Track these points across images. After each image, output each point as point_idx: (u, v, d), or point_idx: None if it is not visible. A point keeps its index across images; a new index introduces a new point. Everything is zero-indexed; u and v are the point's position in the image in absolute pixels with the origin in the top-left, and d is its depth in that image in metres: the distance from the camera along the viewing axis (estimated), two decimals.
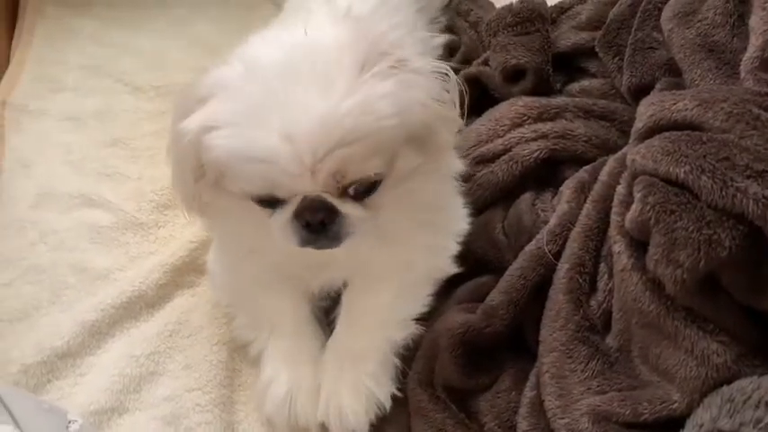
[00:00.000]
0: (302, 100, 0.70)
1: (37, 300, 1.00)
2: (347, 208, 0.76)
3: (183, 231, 1.10)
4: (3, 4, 1.38)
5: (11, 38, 1.37)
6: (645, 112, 0.80)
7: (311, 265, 0.91)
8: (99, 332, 0.97)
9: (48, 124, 1.22)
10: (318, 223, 0.76)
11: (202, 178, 0.80)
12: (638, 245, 0.76)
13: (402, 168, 0.79)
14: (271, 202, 0.77)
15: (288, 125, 0.70)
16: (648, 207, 0.72)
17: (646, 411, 0.72)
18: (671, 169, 0.71)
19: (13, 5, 1.41)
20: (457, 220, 0.96)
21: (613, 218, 0.81)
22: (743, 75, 0.81)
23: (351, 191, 0.76)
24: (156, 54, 1.33)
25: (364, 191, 0.77)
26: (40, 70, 1.30)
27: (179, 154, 0.81)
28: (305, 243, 0.78)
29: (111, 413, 0.90)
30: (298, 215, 0.76)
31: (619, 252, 0.78)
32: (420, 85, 0.78)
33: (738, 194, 0.66)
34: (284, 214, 0.77)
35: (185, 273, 1.05)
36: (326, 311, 0.98)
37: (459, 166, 0.95)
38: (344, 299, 0.94)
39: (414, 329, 0.91)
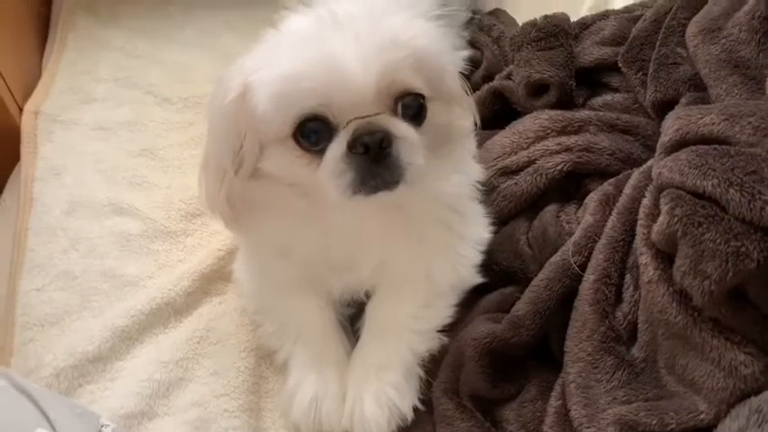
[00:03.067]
0: (356, 22, 0.74)
1: (68, 305, 1.03)
2: (402, 129, 0.75)
3: (211, 240, 1.12)
4: (35, 17, 1.43)
5: (42, 49, 1.41)
6: (671, 126, 0.81)
7: (336, 266, 0.91)
8: (129, 338, 0.99)
9: (78, 134, 1.25)
10: (378, 146, 0.73)
11: (239, 168, 0.81)
12: (665, 257, 0.77)
13: (434, 119, 0.80)
14: (317, 142, 0.76)
15: (346, 38, 0.72)
16: (676, 219, 0.72)
17: (672, 422, 0.72)
18: (698, 182, 0.72)
19: (45, 18, 1.45)
20: (478, 229, 0.98)
21: (639, 230, 0.82)
22: None
23: (400, 109, 0.76)
24: (183, 66, 1.37)
25: (412, 113, 0.77)
26: (71, 81, 1.33)
27: (219, 131, 0.81)
28: (362, 179, 0.74)
29: (141, 417, 0.92)
30: (354, 142, 0.73)
31: (645, 264, 0.79)
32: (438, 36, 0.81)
33: (767, 207, 0.67)
34: (338, 145, 0.75)
35: (213, 281, 1.07)
36: (352, 320, 0.99)
37: (478, 172, 0.97)
38: (369, 309, 0.96)
39: (438, 341, 0.93)
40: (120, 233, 1.11)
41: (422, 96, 0.78)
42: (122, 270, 1.07)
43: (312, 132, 0.76)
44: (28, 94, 1.29)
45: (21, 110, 1.26)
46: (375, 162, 0.74)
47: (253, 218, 0.87)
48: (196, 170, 0.91)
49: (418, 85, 0.77)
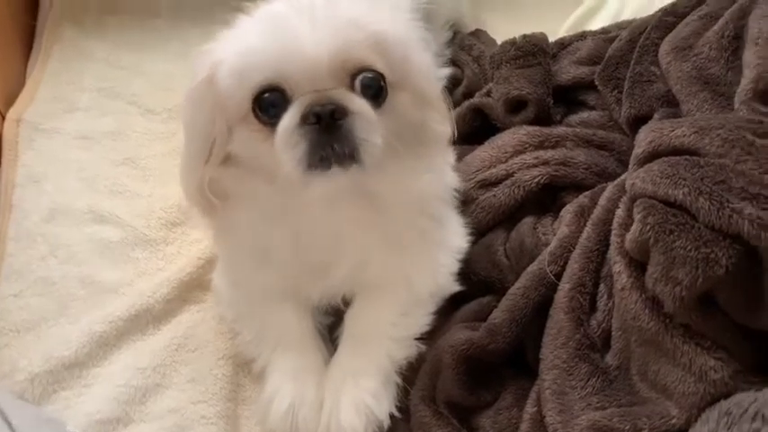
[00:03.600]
0: (316, 4, 0.77)
1: (45, 311, 1.02)
2: (357, 104, 0.76)
3: (191, 249, 1.12)
4: (20, 27, 1.43)
5: (27, 58, 1.41)
6: (644, 138, 0.83)
7: (312, 268, 0.92)
8: (106, 344, 0.98)
9: (60, 142, 1.25)
10: (329, 116, 0.74)
11: (210, 155, 0.83)
12: (637, 265, 0.79)
13: (399, 107, 0.82)
14: (275, 115, 0.76)
15: (303, 17, 0.75)
16: (648, 227, 0.75)
17: (645, 426, 0.74)
18: (670, 191, 0.74)
19: (31, 28, 1.45)
20: (456, 238, 0.99)
21: (613, 239, 0.84)
22: (737, 105, 0.85)
23: (358, 86, 0.78)
24: (167, 77, 1.37)
25: (372, 93, 0.78)
26: (55, 91, 1.33)
27: (193, 114, 0.83)
28: (314, 149, 0.75)
29: (117, 423, 0.91)
30: (306, 114, 0.74)
31: (618, 272, 0.81)
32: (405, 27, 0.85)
33: (734, 215, 0.69)
34: (291, 116, 0.75)
35: (192, 288, 1.07)
36: (330, 329, 1.00)
37: (455, 180, 0.99)
38: (347, 317, 0.96)
39: (415, 349, 0.94)
40: (100, 240, 1.11)
41: (382, 78, 0.79)
42: (101, 277, 1.07)
43: (270, 106, 0.77)
44: (11, 102, 1.29)
45: (3, 117, 1.26)
46: (327, 133, 0.75)
47: (226, 211, 0.88)
48: (178, 179, 0.92)
49: (376, 63, 0.78)
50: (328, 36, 0.75)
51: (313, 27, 0.75)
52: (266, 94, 0.77)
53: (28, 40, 1.44)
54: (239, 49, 0.78)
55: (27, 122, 1.26)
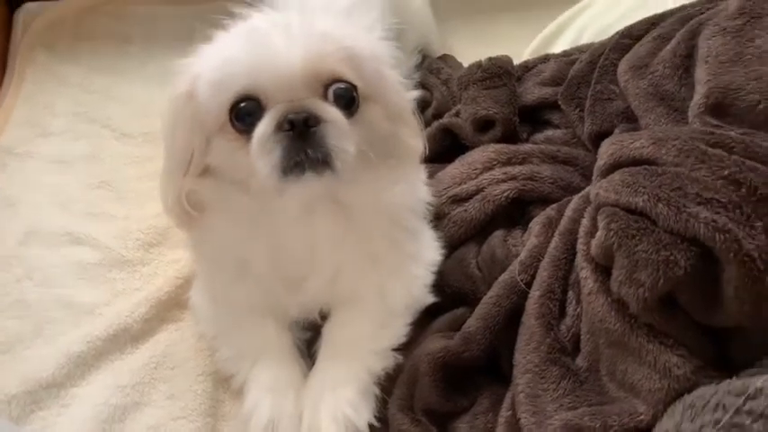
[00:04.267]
0: (291, 18, 0.81)
1: (21, 333, 1.02)
2: (330, 113, 0.79)
3: (168, 269, 1.13)
4: None
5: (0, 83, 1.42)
6: (606, 151, 0.88)
7: (290, 282, 0.94)
8: (84, 363, 0.99)
9: (35, 166, 1.26)
10: (302, 123, 0.77)
11: (190, 166, 0.85)
12: (603, 270, 0.83)
13: (371, 118, 0.85)
14: (251, 123, 0.79)
15: (278, 29, 0.79)
16: (612, 233, 0.79)
17: (615, 424, 0.77)
18: (631, 199, 0.79)
19: (2, 52, 1.46)
20: (429, 251, 1.03)
21: (579, 247, 0.88)
22: (690, 119, 0.91)
23: (331, 96, 0.81)
24: (142, 101, 1.39)
25: (345, 102, 0.81)
26: (29, 115, 1.35)
27: (172, 127, 0.86)
28: (288, 155, 0.78)
29: None
30: (281, 121, 0.78)
31: (585, 277, 0.84)
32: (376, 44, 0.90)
33: (691, 219, 0.73)
34: (266, 124, 0.78)
35: (170, 308, 1.08)
36: (309, 344, 1.01)
37: (428, 194, 1.03)
38: (325, 331, 0.98)
39: (393, 360, 0.95)
40: (77, 262, 1.11)
41: (354, 88, 0.83)
42: (78, 298, 1.07)
43: (246, 114, 0.80)
44: None
45: None
46: (301, 139, 0.78)
47: (204, 222, 0.90)
48: (155, 201, 0.94)
49: (348, 75, 0.82)
50: (302, 48, 0.78)
51: (288, 39, 0.78)
52: (243, 104, 0.80)
53: (0, 65, 1.45)
54: (217, 61, 0.81)
55: (0, 147, 1.26)
